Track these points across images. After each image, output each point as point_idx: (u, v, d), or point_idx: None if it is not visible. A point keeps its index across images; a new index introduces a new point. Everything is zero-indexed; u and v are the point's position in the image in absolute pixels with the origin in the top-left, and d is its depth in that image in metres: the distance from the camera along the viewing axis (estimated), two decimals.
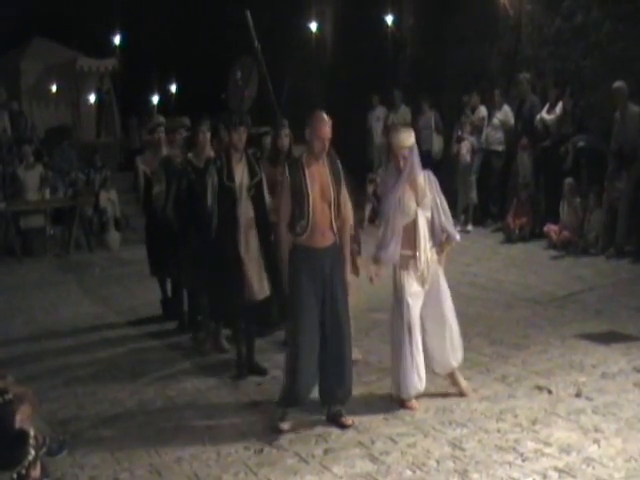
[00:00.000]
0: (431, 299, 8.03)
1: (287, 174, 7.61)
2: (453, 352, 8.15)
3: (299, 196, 7.49)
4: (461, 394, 8.19)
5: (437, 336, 8.09)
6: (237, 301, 9.16)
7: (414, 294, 7.92)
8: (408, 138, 8.03)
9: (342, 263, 7.81)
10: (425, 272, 7.91)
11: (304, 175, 7.52)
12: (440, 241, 8.03)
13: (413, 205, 7.84)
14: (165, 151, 11.61)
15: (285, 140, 10.40)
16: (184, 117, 13.30)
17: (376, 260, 7.99)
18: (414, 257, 7.86)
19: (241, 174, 9.20)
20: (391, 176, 8.15)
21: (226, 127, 9.60)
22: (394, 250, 7.83)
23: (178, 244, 10.56)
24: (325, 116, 7.61)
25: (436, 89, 19.50)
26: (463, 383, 8.26)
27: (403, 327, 7.87)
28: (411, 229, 7.85)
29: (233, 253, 9.11)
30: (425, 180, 7.97)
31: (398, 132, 8.30)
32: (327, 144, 7.57)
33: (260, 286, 9.19)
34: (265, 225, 9.36)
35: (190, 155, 10.65)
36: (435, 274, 8.04)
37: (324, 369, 7.65)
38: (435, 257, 8.01)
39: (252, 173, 9.30)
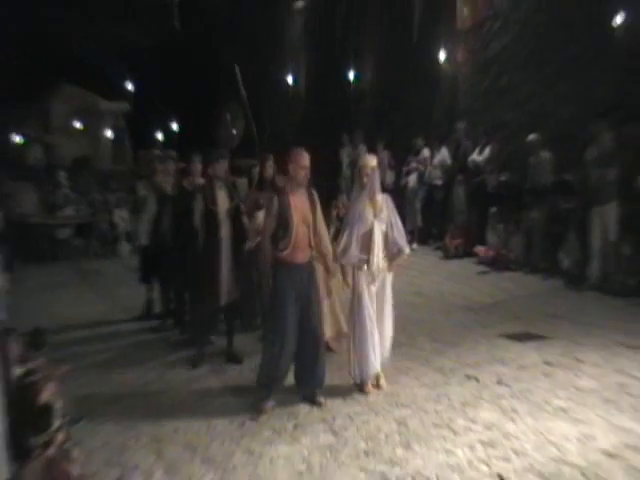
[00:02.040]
0: (377, 301, 8.04)
1: (275, 200, 7.57)
2: (382, 353, 8.16)
3: (284, 219, 7.50)
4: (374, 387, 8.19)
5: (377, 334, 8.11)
6: (213, 303, 9.11)
7: (371, 291, 7.98)
8: (372, 160, 8.15)
9: (315, 273, 7.82)
10: (375, 274, 7.94)
11: (289, 202, 7.53)
12: (392, 253, 8.04)
13: (370, 217, 7.88)
14: (159, 178, 11.45)
15: (269, 170, 10.38)
16: (171, 150, 13.33)
17: (340, 262, 8.02)
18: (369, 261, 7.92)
19: (222, 199, 9.18)
20: (356, 192, 8.17)
21: (210, 161, 9.48)
22: (354, 254, 7.85)
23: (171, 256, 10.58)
24: (303, 152, 7.64)
25: (390, 132, 19.58)
26: (382, 382, 8.25)
27: (364, 319, 7.90)
28: (368, 237, 7.87)
29: (214, 265, 9.05)
30: (383, 200, 8.03)
31: (365, 155, 8.60)
32: (308, 173, 7.61)
33: (232, 291, 9.17)
34: (240, 240, 9.36)
35: (185, 182, 10.59)
36: (383, 280, 8.07)
37: (302, 361, 7.71)
38: (385, 265, 8.03)
39: (231, 198, 9.30)
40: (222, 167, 9.32)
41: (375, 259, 7.92)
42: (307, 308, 7.63)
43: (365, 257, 7.91)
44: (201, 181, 9.93)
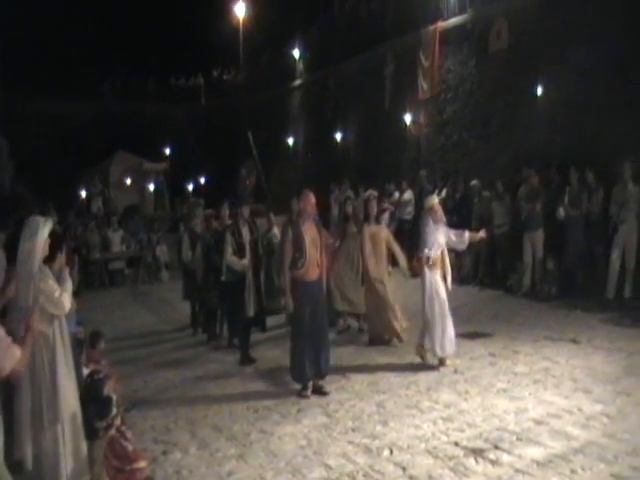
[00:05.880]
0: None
1: (289, 229, 7.78)
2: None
3: (299, 244, 7.58)
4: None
5: None
6: (242, 315, 9.22)
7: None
8: (435, 199, 8.81)
9: (323, 286, 7.87)
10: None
11: (301, 230, 7.63)
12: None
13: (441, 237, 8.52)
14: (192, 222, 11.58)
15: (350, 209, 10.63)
16: (200, 199, 13.54)
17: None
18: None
19: (245, 234, 9.33)
20: (427, 220, 8.53)
21: (236, 207, 9.78)
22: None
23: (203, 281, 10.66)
24: (310, 193, 7.81)
25: (368, 180, 19.67)
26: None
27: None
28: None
29: (241, 284, 9.20)
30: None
31: (430, 196, 9.16)
32: (313, 209, 7.77)
33: (254, 304, 9.27)
34: (257, 265, 9.51)
35: (215, 223, 10.75)
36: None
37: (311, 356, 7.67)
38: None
39: (252, 233, 9.48)
40: (246, 211, 9.56)
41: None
42: (316, 314, 7.65)
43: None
44: (229, 222, 10.01)
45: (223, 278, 9.41)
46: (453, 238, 8.58)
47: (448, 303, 8.45)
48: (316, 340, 7.66)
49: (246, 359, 9.14)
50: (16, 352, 4.25)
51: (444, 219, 8.60)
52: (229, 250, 9.20)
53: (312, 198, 7.77)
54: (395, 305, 9.71)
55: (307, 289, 7.61)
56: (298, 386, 7.73)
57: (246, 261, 9.22)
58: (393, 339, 9.68)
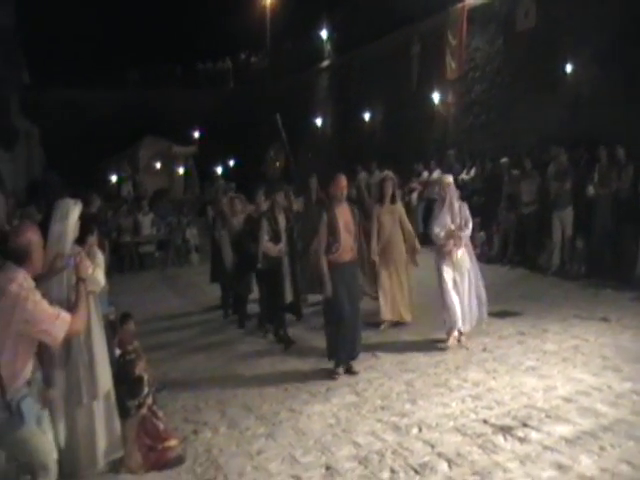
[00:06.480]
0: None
1: (324, 214, 7.61)
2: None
3: (333, 228, 7.50)
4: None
5: None
6: (279, 301, 9.27)
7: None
8: (449, 178, 8.69)
9: (357, 268, 7.96)
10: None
11: (334, 214, 7.55)
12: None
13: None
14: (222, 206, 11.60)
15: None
16: (231, 182, 13.60)
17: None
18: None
19: (282, 221, 9.34)
20: (438, 201, 8.65)
21: (270, 193, 9.78)
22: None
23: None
24: (342, 176, 7.73)
25: (395, 160, 19.61)
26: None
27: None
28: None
29: (276, 271, 9.23)
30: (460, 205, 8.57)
31: (444, 175, 9.25)
32: (345, 192, 7.68)
33: (290, 291, 9.31)
34: (293, 252, 9.51)
35: (251, 209, 10.61)
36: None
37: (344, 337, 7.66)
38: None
39: (288, 221, 9.48)
40: (280, 197, 9.55)
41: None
42: (351, 295, 7.61)
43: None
44: (265, 207, 9.98)
45: (259, 265, 9.30)
46: (457, 222, 8.44)
47: (471, 280, 8.49)
48: (350, 321, 7.60)
49: (286, 339, 9.06)
50: (66, 317, 4.27)
51: (449, 198, 8.44)
52: (265, 237, 9.12)
53: (344, 181, 7.67)
54: (380, 291, 9.60)
55: (340, 270, 7.53)
56: (329, 365, 7.76)
57: (282, 245, 9.20)
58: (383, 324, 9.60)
